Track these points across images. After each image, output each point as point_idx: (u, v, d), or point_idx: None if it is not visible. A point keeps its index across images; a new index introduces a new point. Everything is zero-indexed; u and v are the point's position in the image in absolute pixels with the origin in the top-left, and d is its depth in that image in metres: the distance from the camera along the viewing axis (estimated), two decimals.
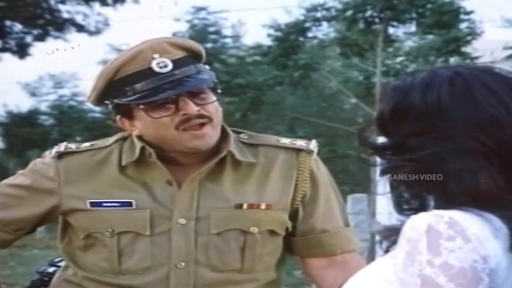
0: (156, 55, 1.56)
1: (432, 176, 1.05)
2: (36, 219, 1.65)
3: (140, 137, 1.62)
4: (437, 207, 1.05)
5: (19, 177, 1.68)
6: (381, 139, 1.15)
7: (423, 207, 1.07)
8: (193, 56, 1.62)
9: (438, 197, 1.06)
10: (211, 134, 1.57)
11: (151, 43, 1.59)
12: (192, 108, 1.55)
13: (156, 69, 1.56)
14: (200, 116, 1.56)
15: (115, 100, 1.59)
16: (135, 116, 1.60)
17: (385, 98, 1.13)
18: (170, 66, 1.56)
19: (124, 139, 1.66)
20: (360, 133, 1.16)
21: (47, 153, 1.68)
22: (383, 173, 1.12)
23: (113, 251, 1.59)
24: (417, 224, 1.00)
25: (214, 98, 1.60)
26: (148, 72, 1.55)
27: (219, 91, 1.62)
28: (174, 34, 15.27)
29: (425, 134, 1.06)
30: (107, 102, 1.62)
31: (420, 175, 1.06)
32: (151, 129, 1.58)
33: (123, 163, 1.62)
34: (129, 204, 1.59)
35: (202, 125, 1.56)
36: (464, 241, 0.97)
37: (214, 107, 1.59)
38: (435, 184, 1.06)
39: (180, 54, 1.59)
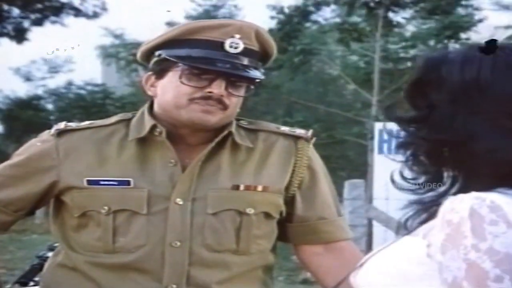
0: (237, 35, 1.58)
1: (460, 154, 1.02)
2: (35, 198, 1.65)
3: (151, 112, 1.64)
4: (464, 186, 1.03)
5: (16, 158, 1.68)
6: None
7: (440, 183, 1.06)
8: (262, 54, 1.65)
9: (465, 176, 1.04)
10: (216, 115, 1.58)
11: (243, 23, 1.62)
12: (220, 90, 1.57)
13: (226, 46, 1.58)
14: (219, 101, 1.58)
15: (166, 54, 1.60)
16: (164, 77, 1.61)
17: (417, 69, 1.09)
18: (240, 49, 1.58)
19: (128, 120, 1.66)
20: (386, 109, 1.14)
21: (45, 132, 1.68)
22: (402, 147, 1.09)
23: (108, 229, 1.59)
24: (459, 207, 0.98)
25: (243, 93, 1.62)
26: (217, 45, 1.58)
27: (252, 87, 1.64)
28: (168, 23, 15.19)
29: (456, 107, 1.03)
30: (157, 53, 1.62)
31: (447, 151, 1.04)
32: (168, 94, 1.59)
33: (130, 138, 1.62)
34: (127, 182, 1.59)
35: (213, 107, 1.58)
36: (506, 225, 0.96)
37: (237, 100, 1.61)
38: (461, 161, 1.03)
39: (256, 46, 1.62)
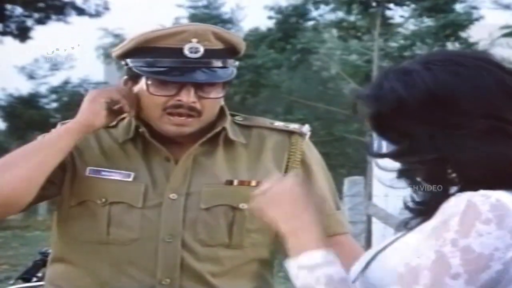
0: (194, 40, 1.59)
1: (456, 168, 1.02)
2: (61, 176, 1.64)
3: (136, 115, 1.67)
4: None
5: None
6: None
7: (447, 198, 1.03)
8: (231, 50, 1.65)
9: (470, 187, 1.01)
10: (190, 125, 1.60)
11: (197, 27, 1.62)
12: (188, 98, 1.57)
13: (186, 52, 1.58)
14: (191, 108, 1.58)
15: (130, 64, 1.63)
16: (138, 82, 1.63)
17: (367, 111, 1.08)
18: (201, 53, 1.59)
19: (122, 119, 1.68)
20: (368, 148, 1.13)
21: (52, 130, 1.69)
22: (401, 175, 1.08)
23: (102, 220, 1.60)
24: (459, 201, 0.98)
25: (219, 94, 1.63)
26: (177, 52, 1.58)
27: (227, 85, 1.65)
28: (176, 19, 15.25)
29: (428, 126, 1.02)
30: (123, 62, 1.65)
31: (442, 170, 1.03)
32: (143, 101, 1.62)
33: (120, 140, 1.65)
34: (127, 176, 1.61)
35: (188, 116, 1.60)
36: (496, 227, 0.96)
37: (211, 102, 1.62)
38: (461, 175, 1.03)
39: (219, 45, 1.62)
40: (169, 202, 1.61)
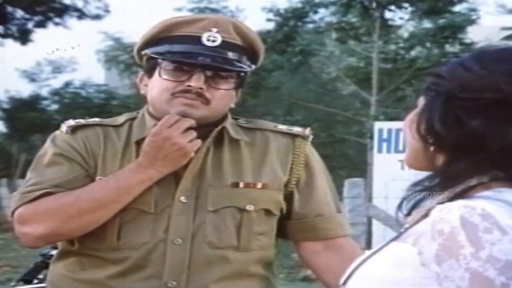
0: (214, 29, 1.59)
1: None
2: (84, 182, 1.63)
3: (149, 113, 1.66)
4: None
5: (42, 158, 1.66)
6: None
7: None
8: (249, 50, 1.65)
9: None
10: (199, 108, 1.59)
11: (218, 18, 1.64)
12: (198, 84, 1.57)
13: (204, 40, 1.59)
14: (199, 94, 1.59)
15: (149, 52, 1.63)
16: (153, 75, 1.64)
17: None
18: (218, 43, 1.59)
19: (132, 119, 1.68)
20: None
21: (57, 132, 1.69)
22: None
23: (114, 226, 1.59)
24: (448, 217, 0.97)
25: (230, 87, 1.62)
26: (195, 40, 1.59)
27: (240, 81, 1.65)
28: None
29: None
30: (143, 52, 1.65)
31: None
32: (154, 90, 1.62)
33: (133, 140, 1.64)
34: None
35: (195, 100, 1.59)
36: (501, 233, 0.94)
37: (220, 95, 1.61)
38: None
39: (238, 40, 1.62)
40: (179, 204, 1.61)
